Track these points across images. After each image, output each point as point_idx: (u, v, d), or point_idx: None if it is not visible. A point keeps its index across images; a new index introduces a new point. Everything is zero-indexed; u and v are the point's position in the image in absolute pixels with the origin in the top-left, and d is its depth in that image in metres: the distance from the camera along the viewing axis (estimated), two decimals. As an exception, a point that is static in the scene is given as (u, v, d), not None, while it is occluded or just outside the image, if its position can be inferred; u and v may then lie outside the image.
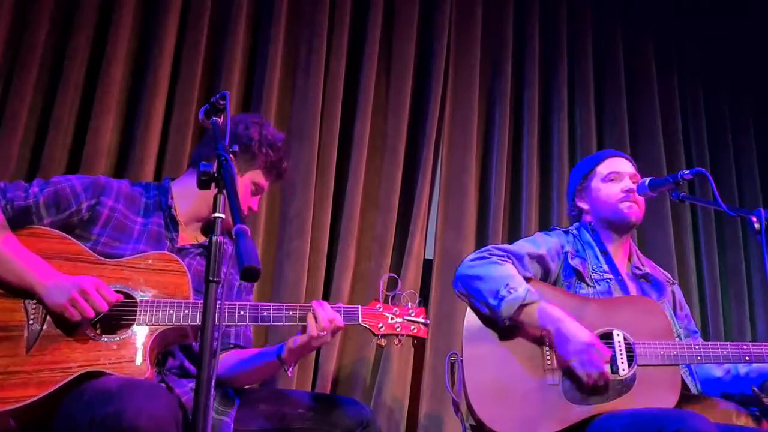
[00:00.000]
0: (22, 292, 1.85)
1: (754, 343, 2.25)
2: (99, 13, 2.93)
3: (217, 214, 1.51)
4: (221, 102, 1.76)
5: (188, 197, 2.18)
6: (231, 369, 2.13)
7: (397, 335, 2.08)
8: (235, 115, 2.32)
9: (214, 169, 1.56)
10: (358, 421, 2.04)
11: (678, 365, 2.18)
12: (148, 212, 2.14)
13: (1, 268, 1.85)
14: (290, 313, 1.99)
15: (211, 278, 1.45)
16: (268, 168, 2.28)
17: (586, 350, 2.09)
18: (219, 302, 1.45)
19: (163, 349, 1.98)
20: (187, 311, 1.91)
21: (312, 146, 3.15)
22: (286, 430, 2.01)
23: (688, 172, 2.31)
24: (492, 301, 2.16)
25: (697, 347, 2.21)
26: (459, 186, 3.45)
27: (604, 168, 2.52)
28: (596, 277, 2.38)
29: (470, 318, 2.23)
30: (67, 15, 2.89)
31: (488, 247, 2.37)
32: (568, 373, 2.13)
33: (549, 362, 2.16)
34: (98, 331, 1.87)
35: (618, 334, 2.19)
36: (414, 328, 2.09)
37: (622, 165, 2.53)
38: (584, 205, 2.55)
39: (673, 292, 2.53)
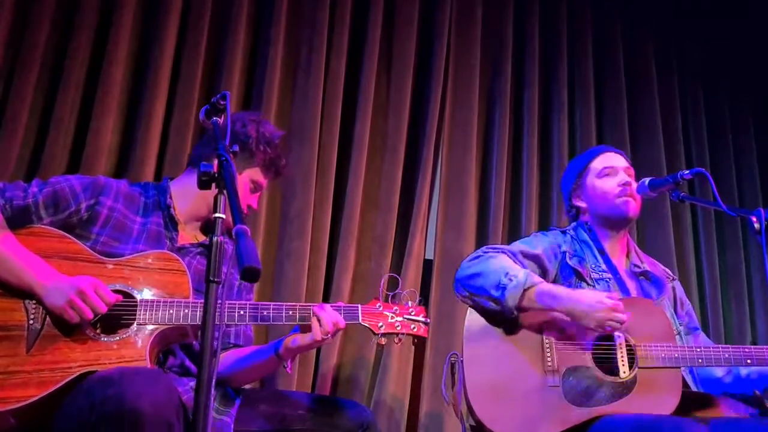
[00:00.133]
0: (22, 292, 1.85)
1: (756, 347, 2.25)
2: (99, 14, 2.93)
3: (217, 215, 1.51)
4: (222, 102, 1.75)
5: (187, 197, 2.19)
6: (230, 367, 2.13)
7: (397, 334, 2.07)
8: (233, 113, 2.31)
9: (215, 169, 1.56)
10: (359, 423, 2.05)
11: (679, 368, 2.17)
12: (147, 212, 2.14)
13: (0, 268, 1.85)
14: (290, 312, 1.99)
15: (211, 278, 1.45)
16: (267, 165, 2.28)
17: (597, 305, 2.10)
18: (219, 302, 1.46)
19: (163, 348, 1.98)
20: (187, 311, 1.91)
21: (312, 146, 3.15)
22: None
23: (688, 172, 2.30)
24: (495, 293, 2.15)
25: (698, 350, 2.20)
26: (459, 186, 3.45)
27: (597, 164, 2.51)
28: (596, 276, 2.37)
29: (470, 318, 2.22)
30: (67, 15, 2.89)
31: (482, 248, 2.37)
32: (569, 373, 2.12)
33: (549, 363, 2.15)
34: (98, 331, 1.87)
35: (619, 336, 2.19)
36: (414, 327, 2.08)
37: (616, 159, 2.52)
38: (581, 203, 2.53)
39: (673, 288, 2.51)
